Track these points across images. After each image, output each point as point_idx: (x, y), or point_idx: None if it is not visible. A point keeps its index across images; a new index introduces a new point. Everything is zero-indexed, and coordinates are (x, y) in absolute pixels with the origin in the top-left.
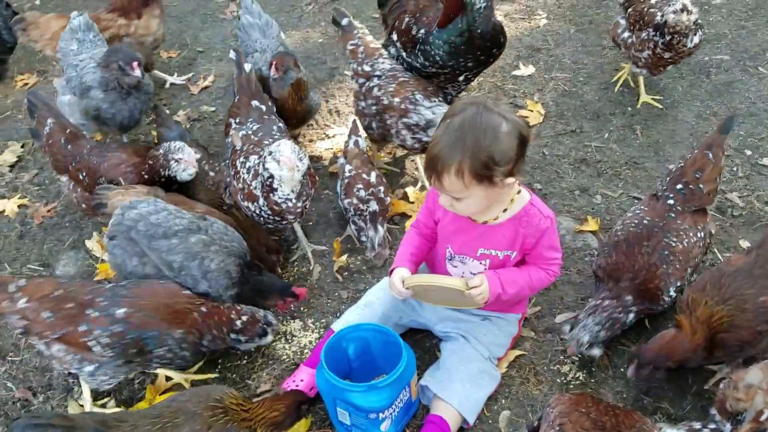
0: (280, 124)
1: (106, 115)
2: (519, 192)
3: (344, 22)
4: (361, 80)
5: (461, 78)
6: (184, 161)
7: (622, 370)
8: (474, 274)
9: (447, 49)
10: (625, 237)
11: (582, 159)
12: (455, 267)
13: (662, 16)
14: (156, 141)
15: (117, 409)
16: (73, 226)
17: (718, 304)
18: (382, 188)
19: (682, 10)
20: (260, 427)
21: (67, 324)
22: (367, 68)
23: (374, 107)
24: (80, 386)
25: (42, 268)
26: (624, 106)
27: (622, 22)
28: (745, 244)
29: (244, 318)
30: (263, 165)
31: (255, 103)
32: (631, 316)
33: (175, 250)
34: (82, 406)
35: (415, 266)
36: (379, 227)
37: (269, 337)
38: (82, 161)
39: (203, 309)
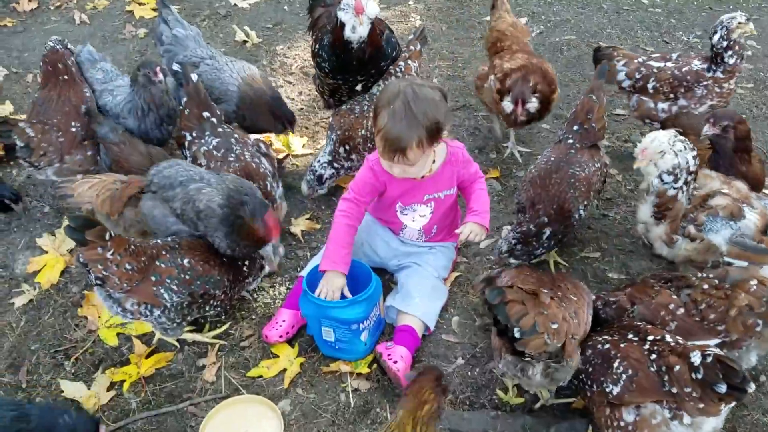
0: (236, 135)
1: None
2: None
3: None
4: None
5: (359, 87)
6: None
7: None
8: (423, 216)
9: (331, 60)
10: (538, 173)
11: (475, 127)
12: (406, 215)
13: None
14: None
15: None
16: (22, 230)
17: None
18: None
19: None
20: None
21: (140, 275)
22: None
23: None
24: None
25: (2, 269)
26: None
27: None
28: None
29: (247, 262)
30: None
31: (206, 114)
32: (545, 235)
33: (176, 198)
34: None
35: (347, 264)
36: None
37: (266, 269)
38: None
39: (225, 259)
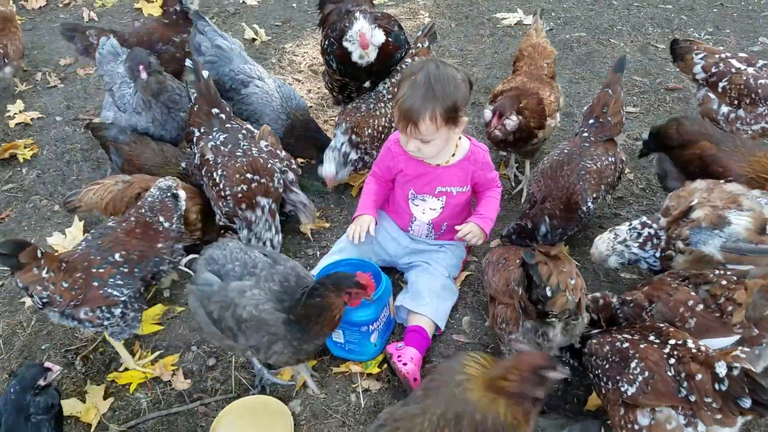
0: (244, 131)
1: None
2: (460, 138)
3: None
4: None
5: (367, 84)
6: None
7: None
8: (433, 210)
9: (340, 69)
10: (550, 164)
11: (485, 125)
12: (416, 205)
13: None
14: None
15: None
16: (33, 229)
17: None
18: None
19: None
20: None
21: (83, 288)
22: None
23: None
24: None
25: None
26: None
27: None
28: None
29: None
30: None
31: (215, 111)
32: (543, 228)
33: (214, 299)
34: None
35: (376, 210)
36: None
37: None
38: None
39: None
